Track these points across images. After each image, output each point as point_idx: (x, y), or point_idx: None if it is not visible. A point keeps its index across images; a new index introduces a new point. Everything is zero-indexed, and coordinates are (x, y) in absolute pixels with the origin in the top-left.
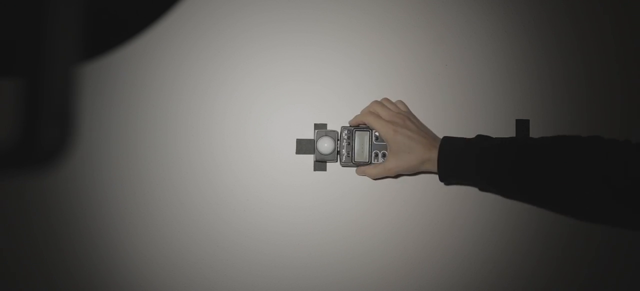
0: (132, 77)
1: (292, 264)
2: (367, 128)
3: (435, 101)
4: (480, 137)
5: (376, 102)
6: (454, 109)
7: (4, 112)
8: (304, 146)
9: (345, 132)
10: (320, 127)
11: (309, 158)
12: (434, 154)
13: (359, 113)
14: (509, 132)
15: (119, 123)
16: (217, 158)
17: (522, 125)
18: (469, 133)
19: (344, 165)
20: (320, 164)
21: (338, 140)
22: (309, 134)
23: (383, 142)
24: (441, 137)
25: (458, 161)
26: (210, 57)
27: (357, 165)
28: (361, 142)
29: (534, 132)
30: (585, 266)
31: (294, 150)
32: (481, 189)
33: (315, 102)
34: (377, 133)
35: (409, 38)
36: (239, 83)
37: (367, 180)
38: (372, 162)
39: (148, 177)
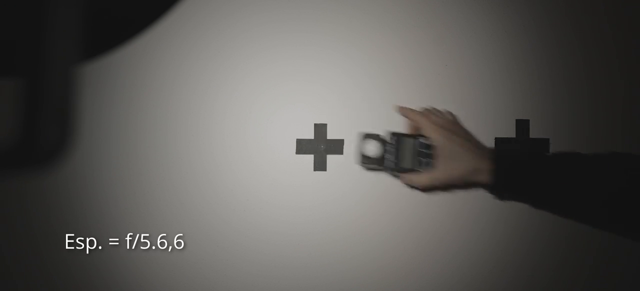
0: (132, 77)
1: (292, 264)
2: (413, 135)
3: (435, 101)
4: (533, 151)
5: (426, 109)
6: (454, 109)
7: (4, 112)
8: (304, 146)
9: (392, 137)
10: (321, 127)
11: (309, 158)
12: (486, 164)
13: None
14: (509, 132)
15: (119, 123)
16: (217, 158)
17: (522, 125)
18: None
19: (390, 172)
20: (320, 164)
21: (384, 144)
22: (309, 134)
23: (429, 150)
24: (490, 147)
25: (515, 168)
26: (210, 57)
27: (402, 171)
28: (407, 148)
29: (534, 132)
30: (586, 267)
31: (294, 150)
32: (533, 204)
33: (315, 102)
34: (423, 140)
35: (409, 38)
36: (239, 84)
37: (366, 179)
38: (417, 168)
39: (148, 177)
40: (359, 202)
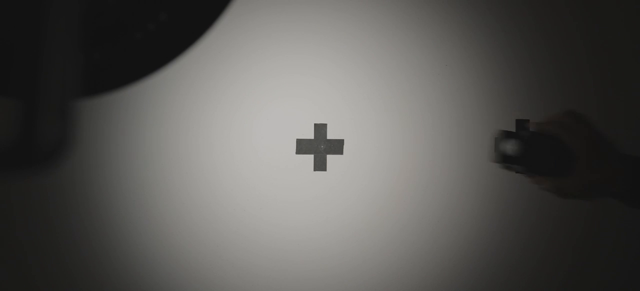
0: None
1: (292, 264)
2: (551, 136)
3: (436, 101)
4: None
5: (567, 114)
6: (454, 109)
7: (4, 112)
8: (303, 146)
9: (532, 137)
10: (321, 127)
11: (309, 158)
12: (623, 172)
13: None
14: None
15: (119, 123)
16: (217, 158)
17: (522, 125)
18: (469, 133)
19: (527, 173)
20: (320, 164)
21: (523, 143)
22: (309, 134)
23: (566, 150)
24: (627, 155)
25: None
26: (210, 58)
27: (538, 172)
28: (546, 148)
29: None
30: (589, 265)
31: (294, 150)
32: None
33: (315, 102)
34: (565, 141)
35: (409, 38)
36: (239, 84)
37: (366, 179)
38: (555, 174)
39: (148, 177)
40: (358, 201)
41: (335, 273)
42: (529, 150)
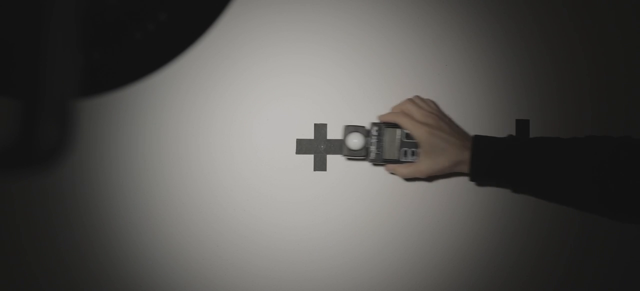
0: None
1: (292, 264)
2: (395, 125)
3: (436, 101)
4: (511, 136)
5: (409, 101)
6: (454, 109)
7: (4, 112)
8: (304, 146)
9: (375, 128)
10: (321, 127)
11: (309, 158)
12: (467, 155)
13: (388, 110)
14: (509, 132)
15: (119, 123)
16: (217, 158)
17: (522, 125)
18: (469, 133)
19: (373, 162)
20: (320, 164)
21: (367, 136)
22: (309, 134)
23: (413, 139)
24: (473, 135)
25: (494, 159)
26: (209, 57)
27: (387, 162)
28: (391, 139)
29: (534, 132)
30: (588, 264)
31: (294, 150)
32: (514, 190)
33: (315, 101)
34: (408, 132)
35: (409, 38)
36: (238, 83)
37: (367, 179)
38: (402, 159)
39: (148, 177)
40: (359, 201)
41: (335, 273)
42: (373, 142)
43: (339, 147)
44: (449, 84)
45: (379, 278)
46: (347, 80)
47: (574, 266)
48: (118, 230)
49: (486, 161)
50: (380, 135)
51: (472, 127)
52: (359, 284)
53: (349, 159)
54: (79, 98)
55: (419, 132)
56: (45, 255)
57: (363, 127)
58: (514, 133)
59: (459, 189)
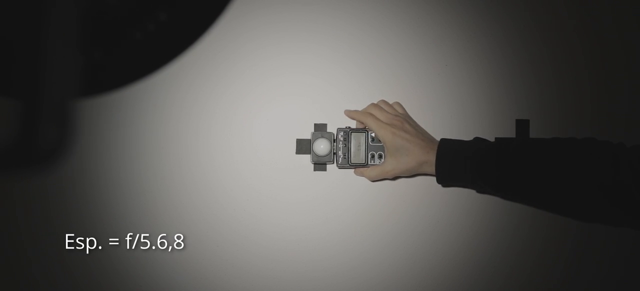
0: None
1: (292, 264)
2: (363, 129)
3: (436, 101)
4: (477, 139)
5: (373, 104)
6: (454, 109)
7: (4, 112)
8: (304, 146)
9: (341, 133)
10: (320, 127)
11: (309, 158)
12: (431, 156)
13: (357, 110)
14: (509, 132)
15: (119, 123)
16: (217, 158)
17: (522, 125)
18: (469, 134)
19: (340, 166)
20: (320, 165)
21: (334, 141)
22: (309, 134)
23: (379, 143)
24: (439, 139)
25: (454, 163)
26: (209, 57)
27: (354, 166)
28: (357, 143)
29: (534, 132)
30: (582, 265)
31: (294, 150)
32: (478, 191)
33: (315, 101)
34: (373, 135)
35: (409, 38)
36: (238, 83)
37: (366, 180)
38: (369, 163)
39: (148, 177)
40: (359, 201)
41: (335, 273)
42: (340, 147)
43: (308, 146)
44: (449, 84)
45: (378, 278)
46: (347, 80)
47: (573, 266)
48: (118, 230)
49: (448, 161)
50: (346, 140)
51: (472, 127)
52: (358, 284)
53: (317, 164)
54: (79, 98)
55: (383, 132)
56: (46, 255)
57: (330, 133)
58: (514, 133)
59: (458, 189)
